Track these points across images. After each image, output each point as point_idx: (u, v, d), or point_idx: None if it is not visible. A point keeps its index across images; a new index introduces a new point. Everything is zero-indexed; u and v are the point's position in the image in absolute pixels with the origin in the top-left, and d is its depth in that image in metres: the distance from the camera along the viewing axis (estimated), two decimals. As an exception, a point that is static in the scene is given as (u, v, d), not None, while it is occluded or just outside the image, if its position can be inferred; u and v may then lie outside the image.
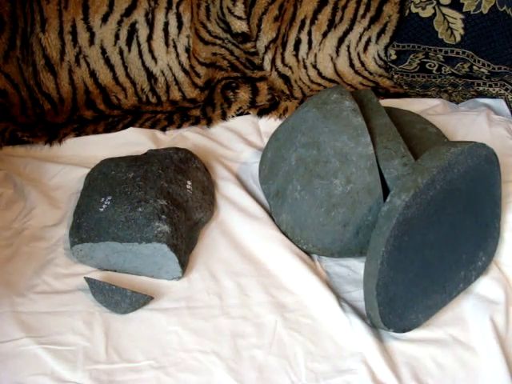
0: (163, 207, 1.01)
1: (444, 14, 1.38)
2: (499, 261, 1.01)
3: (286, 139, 1.11)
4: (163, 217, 1.00)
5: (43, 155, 1.26)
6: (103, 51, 1.36)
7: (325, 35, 1.46)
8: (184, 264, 1.00)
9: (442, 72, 1.43)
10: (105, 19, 1.34)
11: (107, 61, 1.37)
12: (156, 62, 1.40)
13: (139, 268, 1.00)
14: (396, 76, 1.46)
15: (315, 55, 1.48)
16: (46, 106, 1.35)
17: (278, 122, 1.30)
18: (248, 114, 1.36)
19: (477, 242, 0.96)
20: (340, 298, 0.97)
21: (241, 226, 1.09)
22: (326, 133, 1.03)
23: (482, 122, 1.29)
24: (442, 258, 0.92)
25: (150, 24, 1.37)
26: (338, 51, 1.48)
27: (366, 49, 1.49)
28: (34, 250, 1.05)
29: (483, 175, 0.94)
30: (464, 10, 1.36)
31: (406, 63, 1.45)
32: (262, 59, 1.43)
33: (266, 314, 0.96)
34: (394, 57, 1.46)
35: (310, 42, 1.46)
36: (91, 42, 1.35)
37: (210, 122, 1.33)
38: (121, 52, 1.37)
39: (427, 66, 1.44)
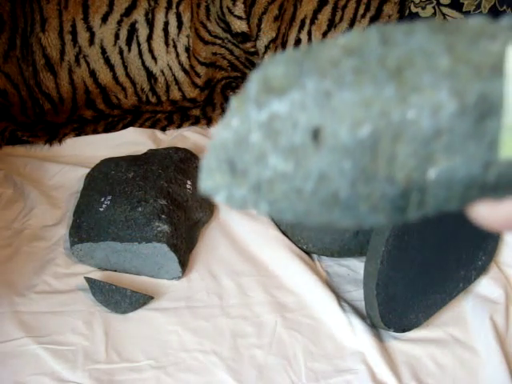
0: (163, 207, 1.01)
1: (444, 14, 1.38)
2: (499, 261, 1.01)
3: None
4: (163, 216, 1.00)
5: (43, 155, 1.26)
6: (103, 51, 1.36)
7: (325, 35, 1.46)
8: (184, 264, 1.00)
9: (442, 72, 1.44)
10: (105, 19, 1.34)
11: (107, 60, 1.37)
12: (156, 62, 1.40)
13: (139, 268, 1.00)
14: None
15: (315, 55, 1.48)
16: (46, 106, 1.35)
17: (278, 122, 1.30)
18: (248, 113, 1.36)
19: (477, 242, 0.96)
20: (340, 297, 0.97)
21: (241, 226, 1.09)
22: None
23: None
24: (441, 257, 0.92)
25: (150, 24, 1.37)
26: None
27: (365, 49, 1.49)
28: (34, 249, 1.05)
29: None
30: (464, 9, 1.36)
31: (406, 63, 1.45)
32: (262, 59, 1.43)
33: (265, 313, 0.96)
34: (393, 57, 1.46)
35: (309, 42, 1.46)
36: (91, 41, 1.35)
37: (209, 122, 1.33)
38: (121, 52, 1.37)
39: (427, 65, 1.44)
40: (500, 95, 0.25)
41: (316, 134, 0.27)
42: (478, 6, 1.35)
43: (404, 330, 0.90)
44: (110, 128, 1.31)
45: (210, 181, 0.29)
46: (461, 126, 0.25)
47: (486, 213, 0.29)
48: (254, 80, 0.28)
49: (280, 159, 0.27)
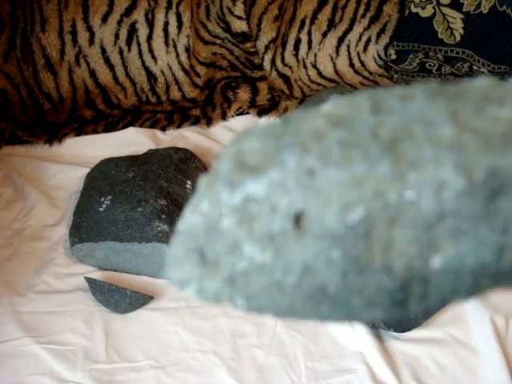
0: (163, 207, 1.01)
1: (444, 14, 1.38)
2: (499, 261, 1.01)
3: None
4: (163, 216, 1.00)
5: (43, 155, 1.26)
6: (103, 51, 1.36)
7: (325, 35, 1.46)
8: (184, 264, 1.00)
9: (442, 72, 1.44)
10: (105, 19, 1.34)
11: (107, 60, 1.37)
12: (156, 62, 1.40)
13: (139, 268, 1.00)
14: (396, 76, 1.46)
15: (315, 55, 1.48)
16: (46, 106, 1.35)
17: (278, 122, 1.30)
18: (248, 113, 1.36)
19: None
20: (340, 297, 0.97)
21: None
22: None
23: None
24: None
25: (150, 24, 1.37)
26: (337, 51, 1.48)
27: (365, 48, 1.49)
28: (34, 249, 1.05)
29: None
30: (464, 9, 1.36)
31: (406, 63, 1.45)
32: (262, 59, 1.43)
33: (265, 313, 0.95)
34: (393, 56, 1.46)
35: (309, 42, 1.46)
36: (91, 41, 1.35)
37: (209, 122, 1.33)
38: (121, 52, 1.37)
39: (427, 65, 1.44)
40: None
41: (298, 220, 0.23)
42: (478, 6, 1.35)
43: (404, 330, 0.90)
44: (110, 128, 1.31)
45: (179, 272, 0.25)
46: (469, 206, 0.22)
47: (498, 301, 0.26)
48: (226, 157, 0.24)
49: (256, 248, 0.23)
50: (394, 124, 0.22)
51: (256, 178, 0.23)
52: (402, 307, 0.24)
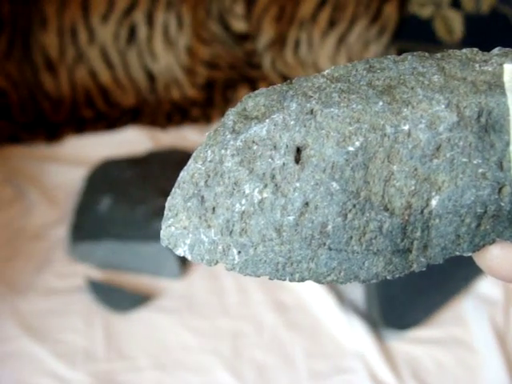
0: (163, 207, 1.01)
1: (444, 14, 1.38)
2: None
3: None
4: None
5: (43, 155, 1.26)
6: (103, 51, 1.37)
7: (324, 35, 1.46)
8: (184, 263, 1.00)
9: (442, 72, 1.44)
10: (105, 19, 1.34)
11: (107, 60, 1.37)
12: (156, 62, 1.40)
13: (139, 267, 1.00)
14: (396, 76, 1.46)
15: (315, 55, 1.48)
16: (46, 106, 1.35)
17: (278, 122, 1.30)
18: (248, 113, 1.36)
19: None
20: (340, 297, 0.97)
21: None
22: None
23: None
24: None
25: (150, 24, 1.37)
26: (337, 51, 1.48)
27: (365, 48, 1.49)
28: (34, 249, 1.05)
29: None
30: (464, 9, 1.36)
31: (406, 63, 1.45)
32: (262, 59, 1.43)
33: (266, 313, 0.96)
34: (393, 57, 1.46)
35: (309, 42, 1.46)
36: (91, 41, 1.35)
37: (209, 122, 1.33)
38: (121, 52, 1.38)
39: (427, 65, 1.44)
40: (502, 109, 0.24)
41: (299, 154, 0.25)
42: (478, 6, 1.35)
43: (404, 330, 0.90)
44: (110, 128, 1.32)
45: (174, 226, 0.27)
46: (463, 140, 0.24)
47: (499, 259, 0.25)
48: (232, 113, 0.26)
49: (257, 187, 0.25)
50: (389, 76, 0.25)
51: (260, 123, 0.25)
52: (405, 258, 0.25)
